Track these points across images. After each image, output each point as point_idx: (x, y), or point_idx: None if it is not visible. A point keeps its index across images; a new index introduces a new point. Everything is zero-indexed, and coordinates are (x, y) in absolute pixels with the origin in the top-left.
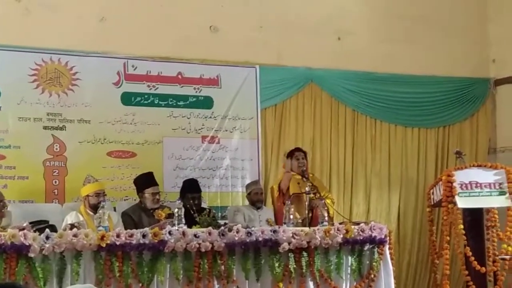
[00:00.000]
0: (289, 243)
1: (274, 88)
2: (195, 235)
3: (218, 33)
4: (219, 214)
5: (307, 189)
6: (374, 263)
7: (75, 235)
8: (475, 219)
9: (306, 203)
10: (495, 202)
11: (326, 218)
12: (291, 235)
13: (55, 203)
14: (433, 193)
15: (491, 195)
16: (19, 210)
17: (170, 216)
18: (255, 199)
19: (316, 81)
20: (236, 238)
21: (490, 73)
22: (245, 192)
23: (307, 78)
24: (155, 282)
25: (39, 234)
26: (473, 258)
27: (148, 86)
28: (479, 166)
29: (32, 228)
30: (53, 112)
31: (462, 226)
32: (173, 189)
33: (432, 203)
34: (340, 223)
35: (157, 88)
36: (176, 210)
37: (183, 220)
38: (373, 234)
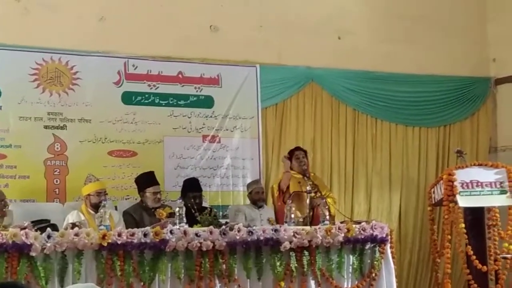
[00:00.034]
0: (290, 242)
1: (274, 87)
2: (196, 234)
3: (218, 32)
4: (220, 213)
5: (308, 188)
6: (375, 262)
7: (76, 234)
8: (476, 218)
9: (307, 202)
10: (496, 201)
11: (327, 217)
12: (292, 234)
13: (56, 202)
14: (434, 192)
15: (492, 194)
16: (21, 209)
17: (171, 215)
18: (256, 198)
19: (317, 80)
20: (238, 237)
21: (490, 72)
22: (246, 191)
23: (308, 78)
24: (157, 281)
25: (41, 233)
26: (474, 257)
27: (149, 85)
28: (480, 165)
29: (33, 227)
30: (54, 111)
31: (463, 225)
32: (174, 188)
33: (433, 202)
34: (342, 222)
35: (157, 87)
36: (177, 209)
37: (184, 219)
38: (375, 233)
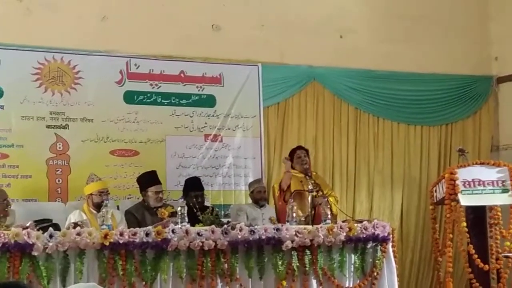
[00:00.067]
0: (292, 241)
1: (276, 86)
2: (198, 234)
3: (220, 31)
4: (222, 212)
5: (309, 187)
6: (377, 261)
7: (78, 234)
8: (478, 217)
9: (309, 201)
10: (498, 199)
11: (329, 216)
12: (294, 233)
13: (59, 201)
14: (436, 190)
15: (494, 193)
16: (23, 209)
17: (173, 214)
18: (258, 197)
19: (319, 79)
20: (239, 236)
21: (492, 71)
22: (248, 191)
23: (309, 76)
24: (159, 280)
25: (43, 233)
26: (476, 256)
27: (151, 84)
28: (482, 163)
29: (35, 226)
30: (56, 111)
31: (465, 224)
32: (176, 187)
33: (435, 201)
34: (343, 221)
35: (159, 86)
36: (179, 208)
37: (186, 219)
38: (376, 232)
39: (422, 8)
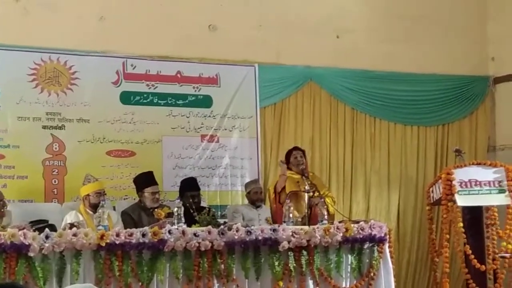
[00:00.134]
0: (288, 242)
1: (273, 86)
2: (194, 234)
3: (217, 32)
4: (219, 213)
5: (306, 187)
6: (374, 262)
7: (74, 235)
8: (474, 217)
9: (306, 201)
10: (495, 200)
11: (326, 216)
12: (290, 233)
13: (55, 202)
14: (432, 191)
15: (490, 193)
16: (19, 209)
17: (169, 215)
18: (255, 198)
19: (315, 80)
20: (236, 237)
21: (489, 71)
22: (244, 191)
23: (306, 77)
24: (155, 281)
25: (39, 234)
26: (472, 256)
27: (147, 85)
28: (478, 164)
29: (31, 227)
30: (52, 111)
31: (461, 224)
32: (173, 188)
33: (432, 201)
34: (340, 222)
35: (156, 87)
36: (175, 209)
37: (183, 219)
38: (373, 233)
39: (422, 8)
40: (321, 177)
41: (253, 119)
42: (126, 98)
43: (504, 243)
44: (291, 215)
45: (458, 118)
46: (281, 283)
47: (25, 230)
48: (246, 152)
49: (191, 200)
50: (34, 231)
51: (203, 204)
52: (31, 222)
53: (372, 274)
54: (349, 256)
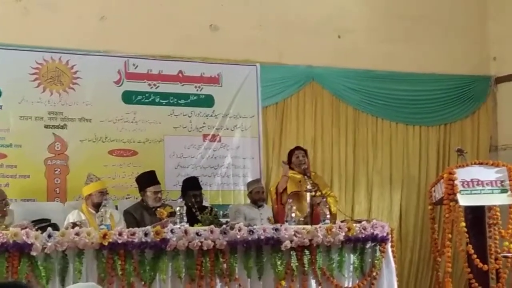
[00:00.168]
0: (291, 241)
1: (275, 86)
2: (197, 234)
3: (218, 31)
4: (221, 212)
5: (308, 187)
6: (376, 261)
7: (77, 234)
8: (477, 217)
9: (308, 201)
10: (497, 199)
11: (328, 216)
12: (293, 233)
13: (57, 201)
14: (434, 191)
15: (492, 193)
16: (21, 208)
17: (172, 214)
18: (257, 197)
19: (317, 80)
20: (238, 236)
21: (491, 71)
22: (246, 191)
23: (308, 77)
24: (157, 280)
25: (41, 233)
26: (475, 256)
27: (149, 84)
28: (480, 164)
29: (34, 226)
30: (54, 110)
31: (464, 224)
32: (175, 187)
33: (434, 201)
34: (342, 221)
35: (158, 86)
36: (178, 208)
37: (185, 219)
38: (375, 232)
39: (422, 8)
40: (323, 177)
41: (255, 118)
42: (128, 97)
43: (507, 243)
44: (293, 214)
45: (460, 117)
46: (283, 283)
47: (27, 229)
48: (248, 152)
49: (193, 200)
50: (37, 230)
51: (205, 203)
52: (33, 221)
53: (374, 273)
54: (351, 256)
